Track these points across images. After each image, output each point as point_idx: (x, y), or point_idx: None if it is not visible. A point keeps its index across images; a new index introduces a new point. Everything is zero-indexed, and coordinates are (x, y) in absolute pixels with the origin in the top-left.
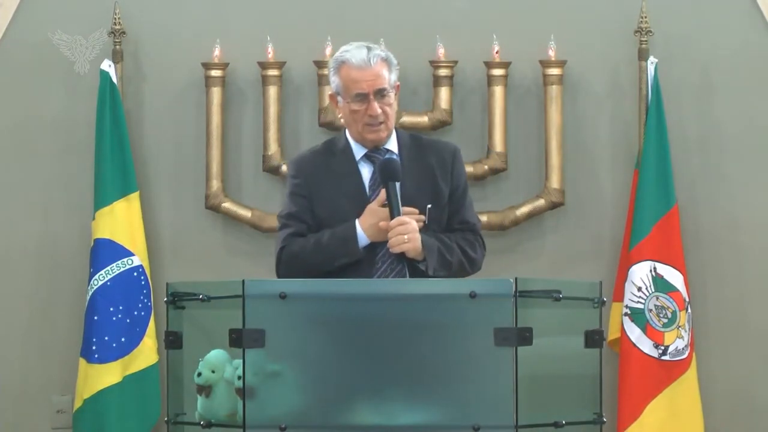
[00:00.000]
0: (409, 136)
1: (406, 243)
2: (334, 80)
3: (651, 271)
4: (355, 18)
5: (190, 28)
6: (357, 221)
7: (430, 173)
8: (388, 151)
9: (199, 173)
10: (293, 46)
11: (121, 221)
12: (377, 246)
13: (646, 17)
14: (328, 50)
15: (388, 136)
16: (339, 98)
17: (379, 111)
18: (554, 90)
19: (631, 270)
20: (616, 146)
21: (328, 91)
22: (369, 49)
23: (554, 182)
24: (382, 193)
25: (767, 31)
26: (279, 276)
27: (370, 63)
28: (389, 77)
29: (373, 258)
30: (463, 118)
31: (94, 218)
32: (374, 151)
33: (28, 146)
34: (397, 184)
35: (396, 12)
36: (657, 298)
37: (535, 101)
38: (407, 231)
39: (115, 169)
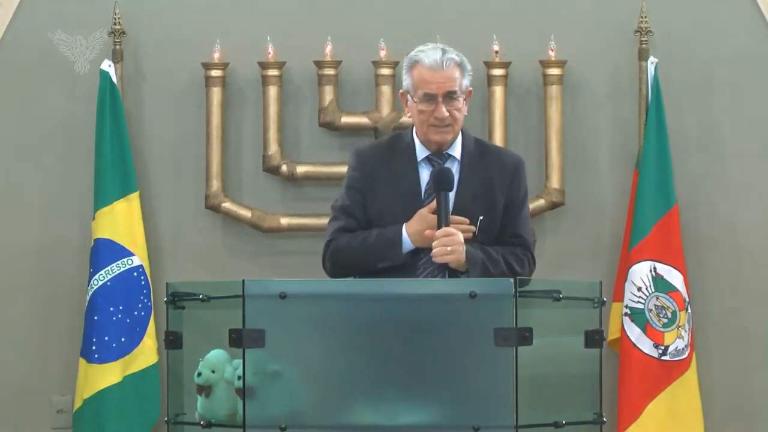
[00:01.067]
0: (475, 142)
1: (450, 254)
2: (406, 79)
3: (651, 271)
4: (355, 18)
5: (190, 28)
6: (404, 225)
7: (488, 183)
8: (450, 156)
9: (199, 173)
10: (293, 46)
11: (121, 221)
12: (421, 252)
13: (646, 17)
14: (328, 50)
15: (453, 140)
16: (409, 96)
17: (446, 114)
18: (554, 90)
19: (631, 270)
20: (616, 146)
21: (328, 91)
22: (444, 51)
23: (554, 182)
24: (434, 201)
25: (767, 31)
26: (325, 269)
27: (442, 66)
28: (461, 81)
29: (416, 263)
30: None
31: (94, 218)
32: (436, 155)
33: (28, 146)
34: (451, 194)
35: (396, 12)
36: (657, 298)
37: (535, 101)
38: (452, 243)
39: (115, 169)
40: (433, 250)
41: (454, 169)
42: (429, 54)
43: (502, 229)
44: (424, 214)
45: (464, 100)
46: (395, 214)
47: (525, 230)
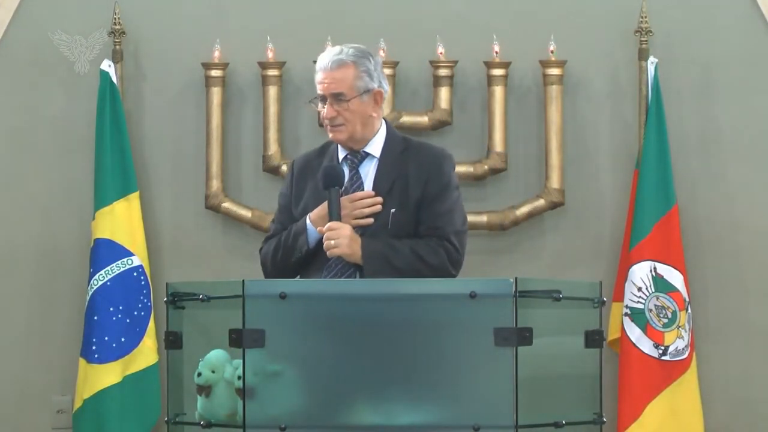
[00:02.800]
0: (402, 139)
1: (335, 248)
2: (315, 79)
3: (651, 271)
4: (355, 18)
5: (190, 28)
6: (308, 215)
7: (403, 179)
8: (367, 154)
9: (199, 173)
10: (293, 46)
11: (121, 221)
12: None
13: (646, 17)
14: None
15: (354, 138)
16: None
17: (333, 114)
18: (554, 90)
19: (631, 270)
20: (616, 146)
21: None
22: (339, 51)
23: (554, 182)
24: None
25: (767, 31)
26: (265, 277)
27: (328, 66)
28: (353, 83)
29: (326, 261)
30: (463, 118)
31: (94, 218)
32: (353, 154)
33: (28, 146)
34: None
35: (396, 12)
36: (657, 298)
37: (535, 101)
38: (336, 236)
39: (115, 169)
40: (323, 245)
41: (372, 166)
42: (324, 55)
43: (419, 223)
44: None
45: (366, 100)
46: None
47: (443, 222)
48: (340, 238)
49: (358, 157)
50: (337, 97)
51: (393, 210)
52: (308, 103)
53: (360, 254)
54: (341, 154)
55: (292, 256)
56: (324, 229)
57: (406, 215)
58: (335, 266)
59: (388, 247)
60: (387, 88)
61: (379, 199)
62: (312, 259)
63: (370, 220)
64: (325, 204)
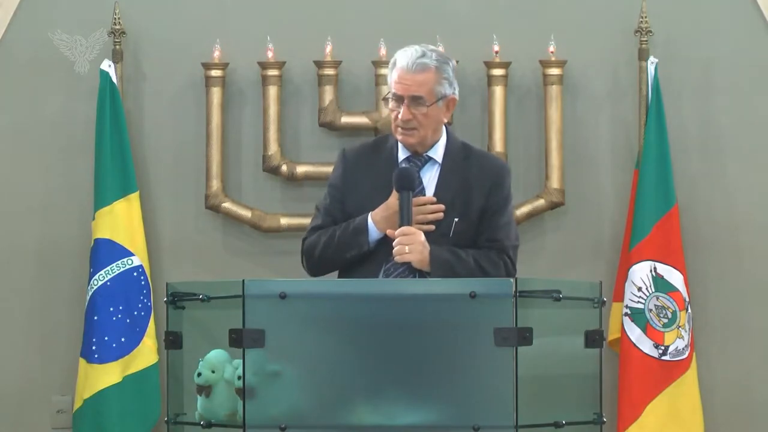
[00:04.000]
0: (461, 145)
1: (408, 254)
2: (389, 77)
3: (651, 271)
4: (355, 18)
5: (190, 28)
6: (370, 214)
7: (466, 186)
8: (430, 159)
9: (199, 173)
10: (293, 46)
11: (121, 221)
12: (389, 248)
13: (646, 17)
14: (328, 50)
15: (434, 143)
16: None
17: (409, 117)
18: (554, 90)
19: (631, 270)
20: (616, 146)
21: (328, 91)
22: (422, 54)
23: (554, 182)
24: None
25: (767, 31)
26: (305, 268)
27: (411, 68)
28: (433, 87)
29: (384, 258)
30: (463, 118)
31: (94, 218)
32: (415, 156)
33: (28, 146)
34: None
35: (396, 12)
36: (657, 298)
37: (535, 101)
38: (410, 242)
39: (115, 169)
40: (394, 250)
41: (434, 171)
42: (406, 55)
43: (479, 234)
44: (391, 202)
45: (441, 106)
46: (372, 209)
47: (503, 235)
48: (414, 244)
49: (421, 160)
50: (415, 101)
51: (456, 219)
52: (382, 99)
53: (428, 261)
54: (402, 154)
55: (347, 252)
56: (397, 233)
57: (467, 225)
58: (394, 270)
59: (454, 256)
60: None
61: (442, 206)
62: (365, 258)
63: (432, 227)
64: (389, 204)
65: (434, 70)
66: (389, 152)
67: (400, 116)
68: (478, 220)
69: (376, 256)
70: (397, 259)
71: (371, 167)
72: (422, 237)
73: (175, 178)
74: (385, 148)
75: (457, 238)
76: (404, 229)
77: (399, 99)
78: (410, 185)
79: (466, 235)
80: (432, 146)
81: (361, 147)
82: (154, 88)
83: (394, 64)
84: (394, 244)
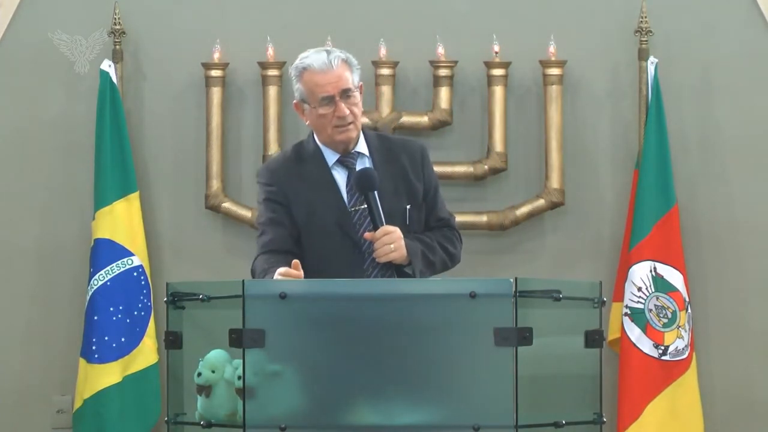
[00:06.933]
0: (377, 137)
1: (393, 252)
2: (298, 88)
3: (651, 271)
4: (355, 18)
5: (190, 28)
6: (277, 273)
7: (403, 173)
8: (359, 154)
9: (199, 173)
10: (293, 46)
11: (121, 221)
12: (365, 254)
13: (646, 17)
14: None
15: (357, 137)
16: (305, 105)
17: (347, 111)
18: (554, 90)
19: (631, 270)
20: (616, 146)
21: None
22: (328, 52)
23: (554, 182)
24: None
25: (767, 31)
26: None
27: (331, 65)
28: (352, 78)
29: (362, 266)
30: (463, 118)
31: (94, 218)
32: (347, 156)
33: (28, 146)
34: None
35: (396, 12)
36: (657, 298)
37: (535, 101)
38: (393, 240)
39: (115, 169)
40: (376, 251)
41: (367, 165)
42: (315, 58)
43: (426, 215)
44: (284, 271)
45: (360, 96)
46: (321, 223)
47: (445, 211)
48: (396, 241)
49: (352, 157)
50: (345, 93)
51: (408, 207)
52: (312, 108)
53: (406, 254)
54: (330, 157)
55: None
56: (378, 234)
57: (417, 210)
58: (372, 270)
59: (422, 244)
60: None
61: (393, 228)
62: (333, 268)
63: (395, 252)
64: (288, 272)
65: (346, 63)
66: (315, 158)
67: (337, 114)
68: (423, 201)
69: (353, 271)
70: (383, 258)
71: (303, 176)
72: (400, 233)
73: (175, 178)
74: (307, 155)
75: (411, 224)
76: (384, 229)
77: (329, 99)
78: (372, 185)
79: (419, 219)
80: (357, 142)
81: (282, 160)
82: (154, 88)
83: (303, 70)
84: (376, 245)
